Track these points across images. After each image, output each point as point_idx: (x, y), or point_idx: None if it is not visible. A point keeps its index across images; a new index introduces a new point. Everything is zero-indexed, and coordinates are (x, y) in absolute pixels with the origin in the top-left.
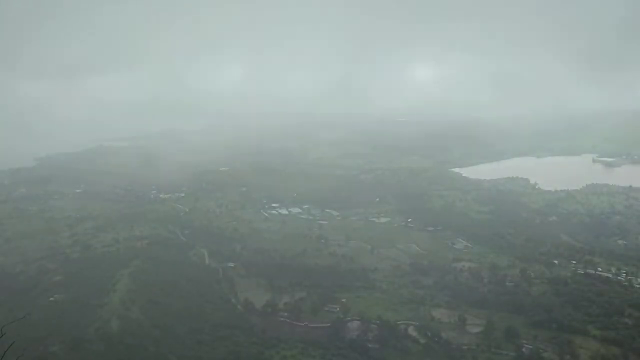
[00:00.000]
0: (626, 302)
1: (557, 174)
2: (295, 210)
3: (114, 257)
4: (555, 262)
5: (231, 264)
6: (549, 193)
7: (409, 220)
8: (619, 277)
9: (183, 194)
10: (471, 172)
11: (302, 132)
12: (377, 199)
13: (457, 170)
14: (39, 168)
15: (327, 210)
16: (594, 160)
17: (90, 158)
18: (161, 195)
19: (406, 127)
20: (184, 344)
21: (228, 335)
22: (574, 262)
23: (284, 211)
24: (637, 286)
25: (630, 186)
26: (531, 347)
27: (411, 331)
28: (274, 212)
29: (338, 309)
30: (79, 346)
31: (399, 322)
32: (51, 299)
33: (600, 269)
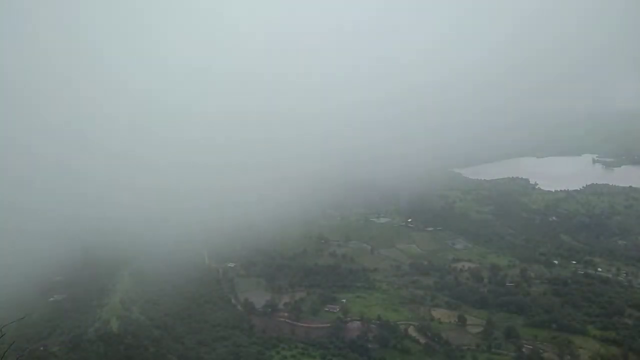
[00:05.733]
0: (626, 302)
1: (557, 173)
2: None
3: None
4: (555, 262)
5: (231, 264)
6: (549, 193)
7: (409, 220)
8: (619, 277)
9: None
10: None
11: None
12: (378, 199)
13: (457, 170)
14: None
15: (327, 210)
16: (594, 161)
17: None
18: None
19: None
20: (184, 344)
21: (228, 335)
22: (574, 262)
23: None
24: (637, 286)
25: (630, 186)
26: (531, 347)
27: (411, 331)
28: None
29: (338, 309)
30: (79, 346)
31: (399, 322)
32: (51, 299)
33: (600, 269)
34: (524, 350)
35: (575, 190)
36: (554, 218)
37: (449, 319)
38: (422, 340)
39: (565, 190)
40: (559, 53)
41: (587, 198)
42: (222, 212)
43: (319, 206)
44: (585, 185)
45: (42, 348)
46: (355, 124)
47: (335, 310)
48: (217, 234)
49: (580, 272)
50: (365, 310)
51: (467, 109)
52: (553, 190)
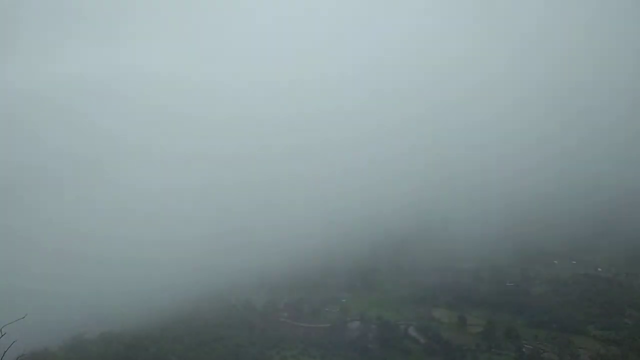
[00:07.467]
0: (626, 302)
1: (556, 173)
2: None
3: None
4: (555, 262)
5: None
6: (549, 193)
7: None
8: (619, 277)
9: None
10: None
11: None
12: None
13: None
14: None
15: None
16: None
17: None
18: None
19: None
20: (184, 344)
21: (228, 335)
22: (574, 262)
23: None
24: (637, 286)
25: (631, 186)
26: (531, 347)
27: (411, 331)
28: None
29: (338, 309)
30: (79, 346)
31: (399, 322)
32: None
33: (600, 269)
34: (524, 350)
35: (576, 190)
36: (554, 218)
37: (449, 319)
38: (422, 340)
39: (565, 189)
40: None
41: (587, 198)
42: None
43: None
44: (585, 185)
45: (42, 348)
46: None
47: (335, 311)
48: None
49: (580, 272)
50: (365, 310)
51: None
52: (553, 189)
